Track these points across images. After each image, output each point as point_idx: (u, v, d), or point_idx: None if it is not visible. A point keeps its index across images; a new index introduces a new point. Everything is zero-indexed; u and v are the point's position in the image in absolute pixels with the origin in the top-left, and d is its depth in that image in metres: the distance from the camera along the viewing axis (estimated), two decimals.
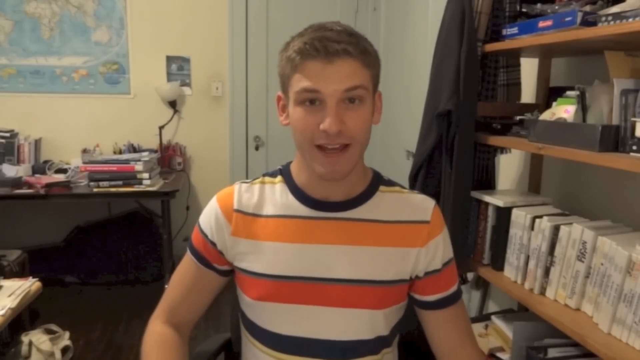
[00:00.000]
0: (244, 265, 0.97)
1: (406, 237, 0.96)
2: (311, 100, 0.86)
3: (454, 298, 1.02)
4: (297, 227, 0.95)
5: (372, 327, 0.96)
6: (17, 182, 2.83)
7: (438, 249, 0.99)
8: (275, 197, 0.98)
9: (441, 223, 1.01)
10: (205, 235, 1.00)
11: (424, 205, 1.00)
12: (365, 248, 0.95)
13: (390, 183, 1.02)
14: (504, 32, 1.46)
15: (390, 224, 0.96)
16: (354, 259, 0.94)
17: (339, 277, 0.94)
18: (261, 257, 0.95)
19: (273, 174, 1.02)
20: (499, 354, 1.44)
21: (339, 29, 0.86)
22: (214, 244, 0.99)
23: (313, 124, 0.87)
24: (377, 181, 1.01)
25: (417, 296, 1.01)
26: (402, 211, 0.98)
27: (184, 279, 1.03)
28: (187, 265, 1.03)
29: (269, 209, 0.97)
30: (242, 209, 0.97)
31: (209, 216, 1.00)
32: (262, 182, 1.00)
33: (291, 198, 0.97)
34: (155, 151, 3.34)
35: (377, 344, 0.98)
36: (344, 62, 0.84)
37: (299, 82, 0.86)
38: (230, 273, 1.03)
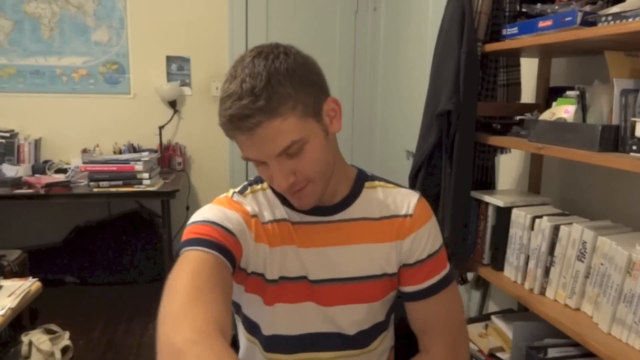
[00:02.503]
0: (262, 271, 0.94)
1: (391, 231, 0.98)
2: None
3: (434, 289, 0.99)
4: (294, 231, 0.95)
5: (372, 317, 1.00)
6: (17, 182, 2.83)
7: (420, 242, 0.98)
8: (269, 203, 0.97)
9: (426, 216, 1.00)
10: (227, 229, 0.86)
11: (407, 199, 1.00)
12: (360, 246, 0.97)
13: (373, 178, 1.03)
14: (504, 32, 1.46)
15: (378, 220, 0.98)
16: (351, 257, 0.96)
17: (339, 277, 0.96)
18: (271, 262, 0.94)
19: (257, 181, 0.99)
20: (498, 354, 1.44)
21: (245, 89, 0.78)
22: (238, 240, 0.87)
23: (267, 175, 0.88)
24: (362, 179, 1.01)
25: (399, 287, 1.02)
26: (388, 206, 0.99)
27: (213, 282, 0.76)
28: (206, 264, 0.78)
29: (270, 215, 0.96)
30: (257, 215, 0.94)
31: (224, 215, 0.89)
32: (253, 192, 0.98)
33: (282, 205, 0.97)
34: (155, 151, 3.34)
35: (376, 330, 1.02)
36: (262, 130, 0.79)
37: (238, 147, 0.85)
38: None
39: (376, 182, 1.02)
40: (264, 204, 0.97)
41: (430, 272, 1.00)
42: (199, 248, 0.81)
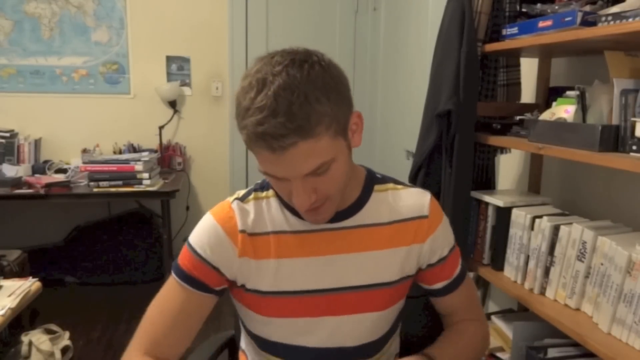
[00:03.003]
0: (252, 286, 0.93)
1: (407, 235, 0.96)
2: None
3: (459, 280, 1.04)
4: (299, 241, 0.92)
5: (380, 326, 0.98)
6: (17, 182, 2.83)
7: (439, 240, 0.99)
8: (271, 213, 0.94)
9: (439, 214, 1.00)
10: (202, 258, 0.91)
11: (420, 200, 0.98)
12: (369, 253, 0.94)
13: (383, 180, 1.00)
14: (504, 32, 1.46)
15: (389, 225, 0.95)
16: (359, 265, 0.94)
17: (346, 286, 0.94)
18: (268, 275, 0.92)
19: (262, 188, 0.97)
20: (498, 354, 1.44)
21: (280, 104, 0.73)
22: (214, 266, 0.91)
23: (285, 191, 0.85)
24: (371, 181, 0.98)
25: (425, 286, 1.04)
26: (399, 209, 0.96)
27: (169, 308, 0.92)
28: (173, 292, 0.92)
29: (268, 226, 0.93)
30: (246, 229, 0.92)
31: (208, 237, 0.91)
32: (256, 199, 0.95)
33: (287, 213, 0.94)
34: (155, 151, 3.34)
35: (385, 339, 1.01)
36: (295, 150, 0.75)
37: (259, 163, 0.81)
38: (225, 290, 0.97)
39: (387, 185, 0.99)
40: (264, 214, 0.94)
41: (453, 265, 1.02)
42: (179, 281, 0.92)
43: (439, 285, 1.02)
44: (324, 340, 0.95)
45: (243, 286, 0.94)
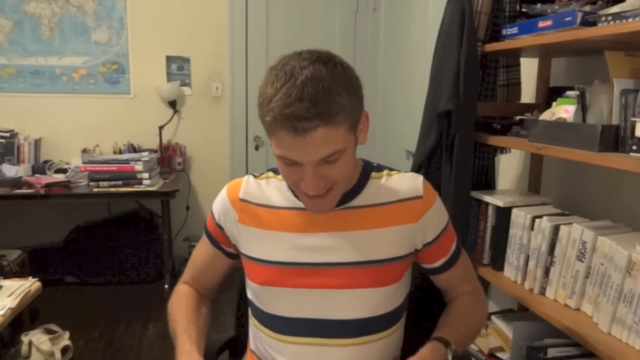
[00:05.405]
0: (250, 252, 1.04)
1: (401, 214, 1.01)
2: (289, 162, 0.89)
3: (456, 256, 1.08)
4: (299, 217, 1.00)
5: (375, 305, 1.01)
6: (17, 182, 2.83)
7: (433, 220, 1.03)
8: (279, 191, 1.04)
9: (433, 194, 1.05)
10: (215, 219, 1.08)
11: (414, 182, 1.03)
12: (364, 232, 0.99)
13: (379, 168, 1.06)
14: (504, 32, 1.46)
15: (385, 205, 1.01)
16: (354, 243, 0.99)
17: (340, 261, 0.99)
18: (266, 244, 1.01)
19: (277, 171, 1.06)
20: (498, 354, 1.44)
21: (307, 92, 0.82)
22: (221, 228, 1.07)
23: (295, 176, 0.91)
24: (368, 170, 1.05)
25: (426, 265, 1.08)
26: (395, 191, 1.02)
27: (198, 254, 1.15)
28: (202, 242, 1.13)
29: (274, 201, 1.03)
30: (247, 199, 1.04)
31: (219, 203, 1.08)
32: (268, 178, 1.07)
33: (291, 195, 1.03)
34: (155, 151, 3.34)
35: (378, 321, 1.02)
36: (315, 134, 0.83)
37: (275, 147, 0.88)
38: (237, 256, 1.10)
39: (382, 172, 1.05)
40: (272, 190, 1.04)
41: (449, 241, 1.07)
42: (204, 234, 1.13)
43: (438, 263, 1.06)
44: (317, 311, 0.99)
45: (240, 251, 1.07)
